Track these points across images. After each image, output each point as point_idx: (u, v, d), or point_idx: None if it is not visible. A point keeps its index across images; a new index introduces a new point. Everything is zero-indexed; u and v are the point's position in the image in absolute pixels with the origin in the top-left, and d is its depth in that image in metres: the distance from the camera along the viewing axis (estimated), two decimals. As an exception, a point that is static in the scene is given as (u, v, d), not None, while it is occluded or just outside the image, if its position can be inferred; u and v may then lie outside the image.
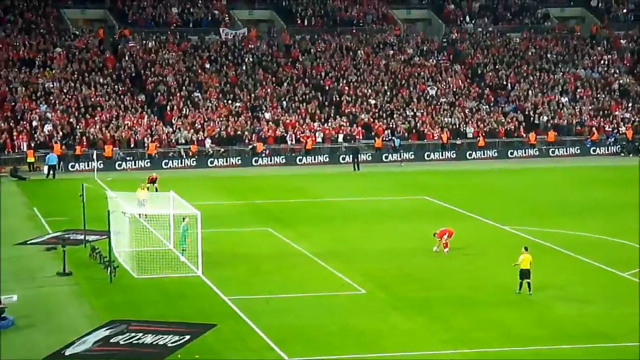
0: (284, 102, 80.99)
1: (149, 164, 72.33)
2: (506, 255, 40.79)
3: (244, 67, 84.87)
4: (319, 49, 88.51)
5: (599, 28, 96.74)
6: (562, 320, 33.90)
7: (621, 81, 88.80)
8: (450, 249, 43.27)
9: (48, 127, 73.99)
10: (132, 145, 74.43)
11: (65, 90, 78.56)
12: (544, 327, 33.03)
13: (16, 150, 71.99)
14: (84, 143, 73.18)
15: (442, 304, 35.50)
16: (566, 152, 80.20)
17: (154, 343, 31.05)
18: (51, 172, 68.04)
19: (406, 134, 79.30)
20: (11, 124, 74.08)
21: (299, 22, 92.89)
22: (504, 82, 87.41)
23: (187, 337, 31.48)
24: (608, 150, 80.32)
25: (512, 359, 30.18)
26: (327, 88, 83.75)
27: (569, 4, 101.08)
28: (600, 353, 30.64)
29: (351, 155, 73.87)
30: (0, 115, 74.86)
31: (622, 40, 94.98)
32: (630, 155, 78.83)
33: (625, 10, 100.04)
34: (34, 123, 74.28)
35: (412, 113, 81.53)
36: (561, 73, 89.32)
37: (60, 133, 73.71)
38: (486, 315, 34.33)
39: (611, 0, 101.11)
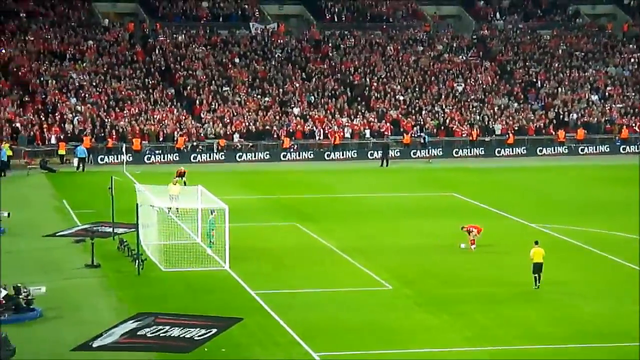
0: (313, 98, 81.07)
1: (177, 157, 72.63)
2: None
3: (273, 62, 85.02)
4: (348, 45, 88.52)
5: (630, 26, 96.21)
6: (586, 318, 33.80)
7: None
8: (477, 246, 43.22)
9: (78, 120, 74.41)
10: (161, 139, 74.76)
11: (95, 84, 78.98)
12: (568, 325, 32.94)
13: (46, 143, 72.42)
14: (114, 136, 73.58)
15: (467, 301, 35.47)
16: (595, 150, 79.81)
17: (181, 336, 31.22)
18: (81, 164, 68.43)
19: (435, 131, 79.21)
20: (42, 117, 74.51)
21: (328, 17, 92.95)
22: (534, 80, 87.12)
23: (214, 330, 31.63)
24: (638, 148, 79.79)
25: (535, 357, 30.17)
26: (356, 83, 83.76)
27: (601, 1, 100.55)
28: (625, 352, 30.47)
29: (381, 151, 73.76)
30: (31, 108, 75.31)
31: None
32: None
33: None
34: (65, 116, 74.74)
35: (441, 109, 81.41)
36: (591, 71, 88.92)
37: (90, 126, 74.15)
38: (509, 312, 34.28)
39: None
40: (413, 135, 77.89)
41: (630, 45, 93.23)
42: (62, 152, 70.63)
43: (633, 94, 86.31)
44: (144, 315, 33.02)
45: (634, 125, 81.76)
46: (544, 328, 32.57)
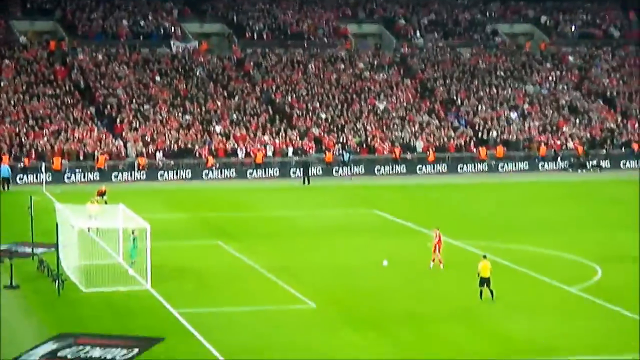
0: (235, 116, 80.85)
1: (98, 176, 71.83)
2: (455, 269, 41.02)
3: (194, 80, 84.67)
4: (270, 63, 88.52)
5: (547, 45, 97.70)
6: (511, 335, 34.01)
7: (568, 97, 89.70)
8: (399, 263, 43.30)
9: (-4, 139, 73.36)
10: (81, 158, 73.87)
11: (13, 102, 77.85)
12: (493, 341, 33.11)
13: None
14: (33, 155, 72.51)
15: (392, 319, 35.47)
16: (515, 167, 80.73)
17: (102, 357, 30.81)
18: (5, 184, 67.36)
19: (357, 149, 79.43)
20: (-42, 136, 73.22)
21: (249, 35, 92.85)
22: (454, 97, 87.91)
23: (136, 350, 31.28)
24: (556, 165, 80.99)
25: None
26: (277, 101, 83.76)
27: (518, 20, 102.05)
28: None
29: (301, 169, 73.82)
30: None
31: (569, 57, 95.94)
32: (579, 170, 79.70)
33: (572, 27, 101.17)
34: (-18, 135, 73.59)
35: (363, 127, 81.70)
36: (510, 89, 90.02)
37: (8, 145, 72.97)
38: (436, 330, 34.37)
39: (559, 17, 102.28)
40: (335, 153, 78.03)
41: (547, 64, 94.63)
42: (-20, 172, 69.33)
43: (550, 111, 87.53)
44: (64, 336, 32.51)
45: (552, 142, 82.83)
46: (471, 345, 32.59)
